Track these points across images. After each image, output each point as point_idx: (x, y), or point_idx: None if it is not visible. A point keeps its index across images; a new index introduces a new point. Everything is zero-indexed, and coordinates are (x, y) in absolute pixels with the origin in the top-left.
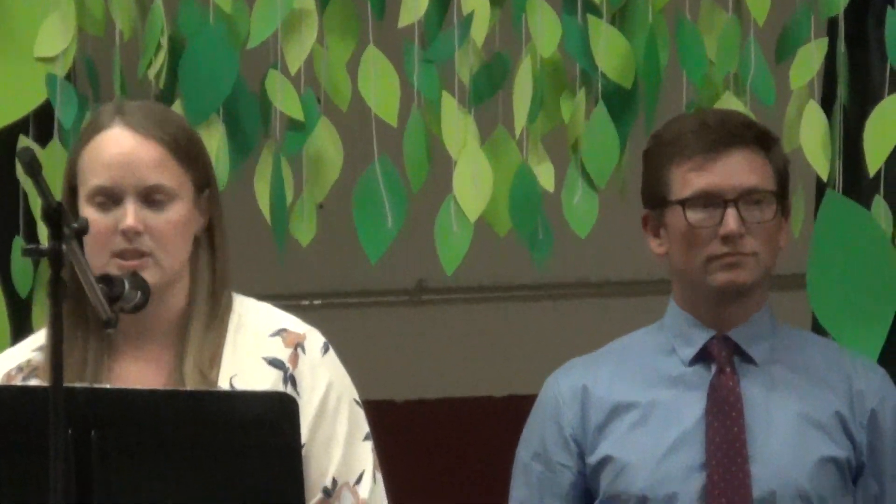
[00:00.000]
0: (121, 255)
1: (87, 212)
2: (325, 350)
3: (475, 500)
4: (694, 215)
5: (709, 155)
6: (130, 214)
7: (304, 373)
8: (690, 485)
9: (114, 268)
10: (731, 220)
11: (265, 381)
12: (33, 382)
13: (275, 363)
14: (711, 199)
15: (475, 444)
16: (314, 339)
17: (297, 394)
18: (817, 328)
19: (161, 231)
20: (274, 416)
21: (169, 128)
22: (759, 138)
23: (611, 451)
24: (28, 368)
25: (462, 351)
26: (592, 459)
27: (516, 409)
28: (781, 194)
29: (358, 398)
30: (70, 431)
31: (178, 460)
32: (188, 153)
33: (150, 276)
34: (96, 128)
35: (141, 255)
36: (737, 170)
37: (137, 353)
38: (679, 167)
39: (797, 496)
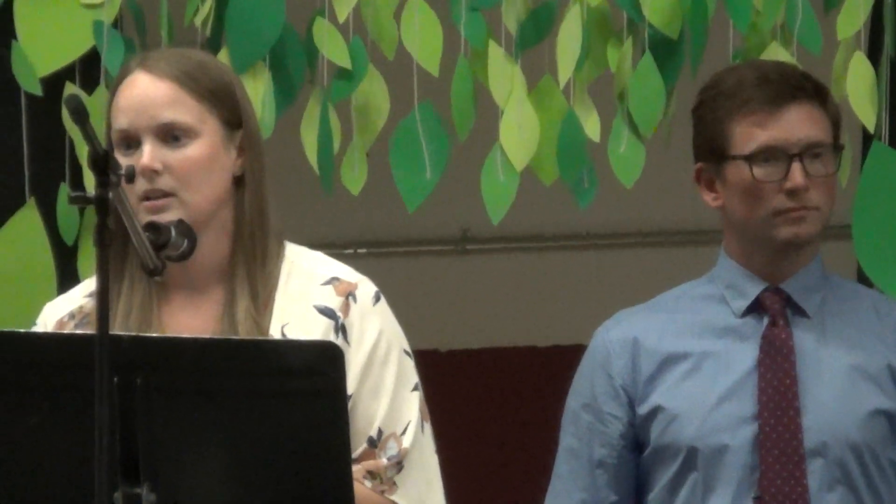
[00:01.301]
0: (145, 196)
1: (117, 157)
2: (377, 299)
3: (518, 448)
4: (759, 170)
5: (772, 109)
6: (146, 153)
7: (354, 322)
8: (741, 435)
9: (143, 213)
10: (797, 174)
11: (316, 329)
12: (85, 328)
13: (326, 312)
14: (776, 154)
15: (519, 393)
16: (366, 288)
17: (347, 343)
18: (862, 278)
19: (181, 168)
20: (319, 365)
21: (185, 66)
22: (818, 91)
23: (661, 401)
24: (80, 315)
25: (506, 301)
26: (643, 410)
27: (560, 358)
28: (837, 146)
29: (408, 348)
30: (116, 378)
31: (222, 407)
32: (209, 89)
33: (175, 215)
34: (121, 77)
35: (164, 194)
36: (800, 124)
37: (187, 299)
38: (741, 121)
39: (847, 447)
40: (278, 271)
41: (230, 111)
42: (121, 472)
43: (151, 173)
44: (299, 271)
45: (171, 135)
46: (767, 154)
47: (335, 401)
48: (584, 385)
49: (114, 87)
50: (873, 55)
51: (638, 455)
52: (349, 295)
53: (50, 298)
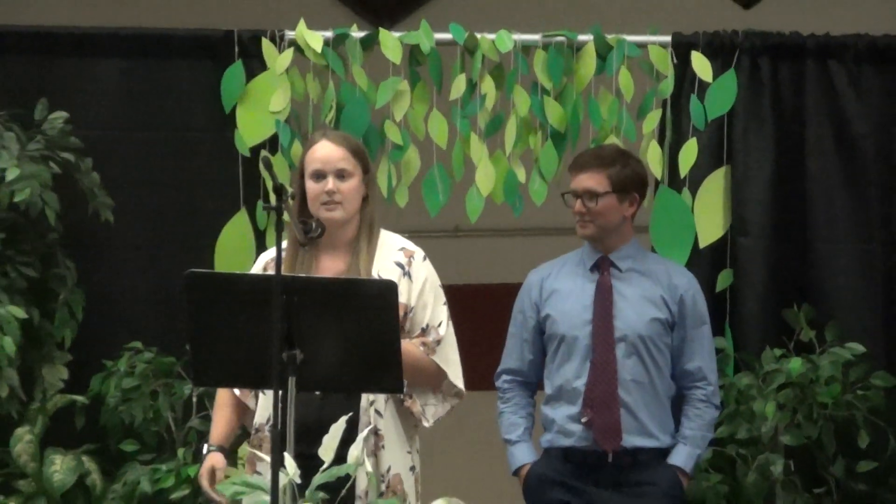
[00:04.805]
0: (325, 204)
1: (309, 184)
2: (424, 259)
3: (487, 326)
4: (570, 199)
5: (576, 171)
6: (330, 183)
7: (413, 270)
8: (584, 331)
9: (321, 211)
10: (577, 205)
11: (393, 273)
12: (273, 269)
13: (399, 265)
14: (575, 193)
15: (485, 306)
16: (419, 253)
17: (410, 280)
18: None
19: (344, 192)
20: (383, 293)
21: (346, 141)
22: (601, 162)
23: (549, 311)
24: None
25: (479, 261)
26: (542, 315)
27: (506, 291)
28: (618, 190)
29: (440, 284)
30: (283, 297)
31: (334, 312)
32: (356, 153)
33: (338, 214)
34: (312, 142)
35: (336, 203)
36: (583, 180)
37: (331, 258)
38: (572, 175)
39: (637, 337)
40: (377, 244)
41: (364, 164)
42: (285, 343)
43: (332, 192)
44: (385, 244)
45: (341, 174)
46: (572, 193)
47: (391, 312)
48: (520, 301)
49: (308, 147)
50: (661, 141)
51: (542, 337)
52: (411, 256)
53: (252, 262)
